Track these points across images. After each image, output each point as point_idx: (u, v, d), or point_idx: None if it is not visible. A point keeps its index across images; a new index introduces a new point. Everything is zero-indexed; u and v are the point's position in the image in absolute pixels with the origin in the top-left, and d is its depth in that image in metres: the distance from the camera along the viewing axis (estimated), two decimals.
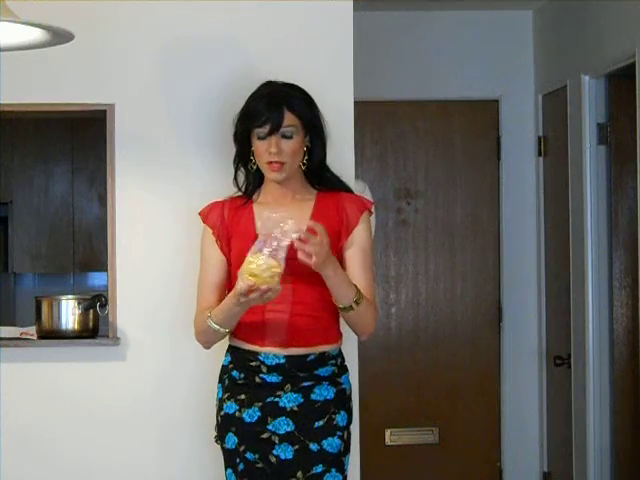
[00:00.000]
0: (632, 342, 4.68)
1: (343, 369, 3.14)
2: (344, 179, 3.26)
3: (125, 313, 3.67)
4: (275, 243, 2.80)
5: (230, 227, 3.12)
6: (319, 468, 3.00)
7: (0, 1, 2.76)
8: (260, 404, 3.03)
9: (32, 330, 3.71)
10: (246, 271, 2.82)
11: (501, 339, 5.77)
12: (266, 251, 2.80)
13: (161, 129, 3.70)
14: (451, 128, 5.79)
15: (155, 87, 3.70)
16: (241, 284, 2.83)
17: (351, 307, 2.97)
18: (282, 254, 2.81)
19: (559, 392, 5.36)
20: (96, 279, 7.01)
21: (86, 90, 3.68)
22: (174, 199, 3.68)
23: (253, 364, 3.05)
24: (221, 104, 3.67)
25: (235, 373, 3.09)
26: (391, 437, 5.73)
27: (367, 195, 4.11)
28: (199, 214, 3.20)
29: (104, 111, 3.68)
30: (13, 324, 4.30)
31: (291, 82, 3.16)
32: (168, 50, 3.69)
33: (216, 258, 3.13)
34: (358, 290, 2.99)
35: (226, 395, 3.10)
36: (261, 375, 3.03)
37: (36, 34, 2.90)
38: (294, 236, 2.81)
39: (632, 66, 4.29)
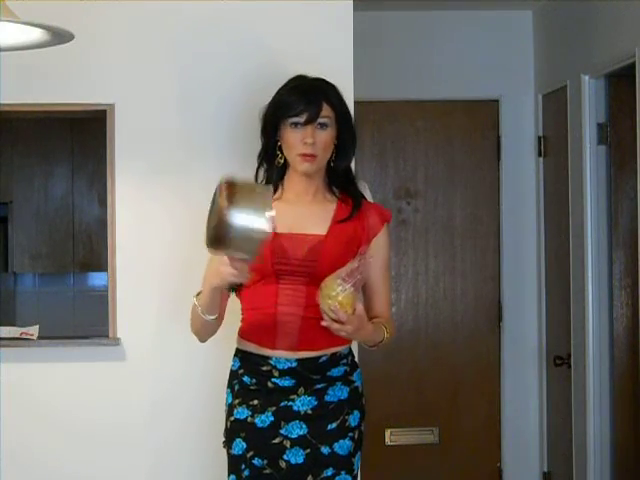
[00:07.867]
0: (632, 342, 4.68)
1: (354, 366, 3.08)
2: None
3: (125, 313, 3.68)
4: (358, 275, 2.82)
5: None
6: (329, 471, 2.93)
7: (0, 1, 2.76)
8: (274, 409, 2.94)
9: (32, 330, 3.71)
10: (345, 302, 2.79)
11: (501, 339, 5.77)
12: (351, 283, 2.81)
13: (161, 129, 3.70)
14: (451, 128, 5.78)
15: (155, 87, 3.70)
16: (330, 311, 2.78)
17: (377, 346, 3.03)
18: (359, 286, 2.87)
19: (559, 392, 5.36)
20: (96, 279, 7.01)
21: (86, 90, 3.69)
22: (174, 199, 3.68)
23: (264, 369, 2.96)
24: (221, 104, 3.67)
25: (246, 378, 2.99)
26: (391, 437, 5.73)
27: (367, 195, 4.11)
28: None
29: (104, 111, 3.68)
30: (13, 324, 4.30)
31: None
32: (168, 50, 3.70)
33: None
34: (385, 328, 3.00)
35: (237, 401, 2.99)
36: (273, 380, 2.95)
37: (36, 34, 2.90)
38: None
39: (632, 66, 4.29)
